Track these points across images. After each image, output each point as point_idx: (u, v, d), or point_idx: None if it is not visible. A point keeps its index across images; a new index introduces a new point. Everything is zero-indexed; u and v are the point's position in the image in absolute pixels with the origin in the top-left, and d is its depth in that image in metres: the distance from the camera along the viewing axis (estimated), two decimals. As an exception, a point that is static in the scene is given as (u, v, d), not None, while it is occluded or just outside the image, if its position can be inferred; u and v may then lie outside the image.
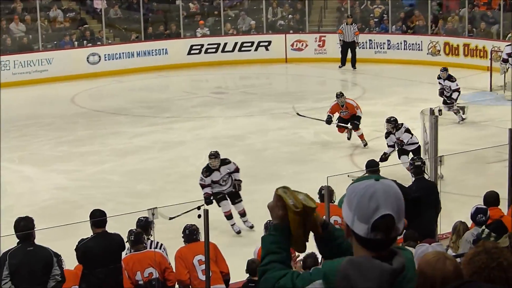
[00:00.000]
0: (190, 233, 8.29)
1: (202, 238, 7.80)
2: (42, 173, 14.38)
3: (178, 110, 19.02)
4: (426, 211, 8.86)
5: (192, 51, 25.55)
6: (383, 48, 24.98)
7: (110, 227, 7.93)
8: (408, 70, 23.05)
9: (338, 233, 2.96)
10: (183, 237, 8.58)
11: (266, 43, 25.96)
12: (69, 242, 8.54)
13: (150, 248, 8.14)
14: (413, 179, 9.38)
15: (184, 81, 24.08)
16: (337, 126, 15.41)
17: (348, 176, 8.85)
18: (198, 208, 7.46)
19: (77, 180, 13.88)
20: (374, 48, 25.09)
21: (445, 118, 14.92)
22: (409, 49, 24.54)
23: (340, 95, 15.37)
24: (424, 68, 22.75)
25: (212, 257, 7.87)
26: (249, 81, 24.32)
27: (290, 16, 26.66)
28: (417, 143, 12.88)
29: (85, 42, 24.87)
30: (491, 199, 8.47)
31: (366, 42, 25.05)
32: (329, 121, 15.27)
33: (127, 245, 7.90)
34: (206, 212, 7.21)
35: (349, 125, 15.24)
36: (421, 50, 24.19)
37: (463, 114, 16.64)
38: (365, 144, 15.23)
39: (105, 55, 24.40)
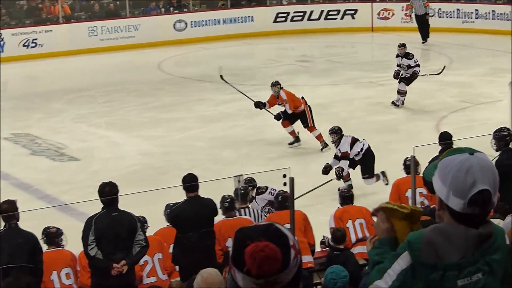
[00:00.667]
0: (282, 200, 8.25)
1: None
2: (128, 139, 14.59)
3: (263, 78, 19.01)
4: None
5: (278, 19, 25.48)
6: (471, 18, 24.42)
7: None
8: (496, 41, 22.48)
9: None
10: (274, 204, 8.58)
11: (352, 12, 25.71)
12: (154, 208, 8.65)
13: (245, 215, 8.12)
14: (499, 152, 9.06)
15: (270, 49, 24.05)
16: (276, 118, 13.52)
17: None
18: (284, 176, 7.41)
19: (163, 146, 14.04)
20: (462, 17, 24.55)
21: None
22: (498, 19, 23.92)
23: (273, 84, 13.52)
24: (513, 38, 22.16)
25: (301, 227, 7.85)
26: (335, 50, 24.13)
27: (377, -16, 26.29)
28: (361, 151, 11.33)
29: (171, 8, 25.06)
30: None
31: (453, 12, 24.54)
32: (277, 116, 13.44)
33: (219, 211, 7.88)
34: (292, 180, 7.18)
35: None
36: (510, 20, 23.54)
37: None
38: (323, 147, 13.14)
39: (191, 22, 24.54)
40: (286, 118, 13.42)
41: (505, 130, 9.26)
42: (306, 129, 13.33)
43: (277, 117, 13.45)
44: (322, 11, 25.60)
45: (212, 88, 18.24)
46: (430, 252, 2.59)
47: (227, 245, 7.67)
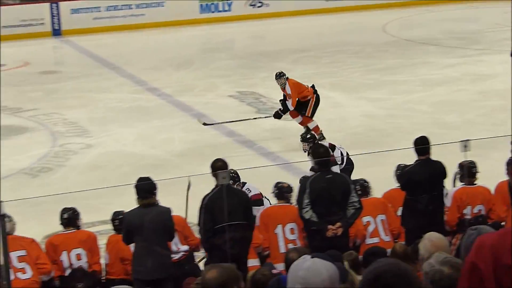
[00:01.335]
0: None
1: None
2: (351, 100, 14.68)
3: (489, 42, 18.41)
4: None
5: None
6: None
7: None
8: None
9: None
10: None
11: None
12: (376, 170, 8.68)
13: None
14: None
15: (496, 12, 23.18)
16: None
17: None
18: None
19: (386, 108, 14.00)
20: None
21: None
22: None
23: (278, 75, 12.35)
24: None
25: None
26: None
27: None
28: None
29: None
30: None
31: None
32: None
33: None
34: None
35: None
36: None
37: None
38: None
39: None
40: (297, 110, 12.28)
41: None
42: (301, 116, 12.28)
43: (277, 115, 12.39)
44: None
45: (437, 51, 17.92)
46: None
47: (464, 212, 7.52)
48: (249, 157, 11.59)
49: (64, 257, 6.74)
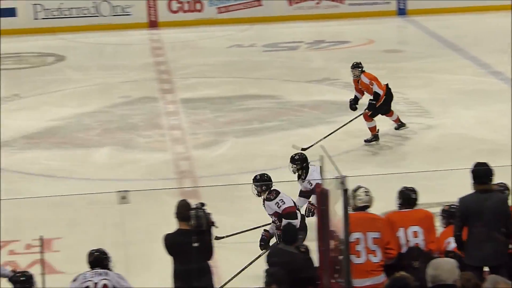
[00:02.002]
0: None
1: None
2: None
3: None
4: None
5: None
6: None
7: None
8: None
9: None
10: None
11: None
12: None
13: None
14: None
15: None
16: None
17: None
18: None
19: None
20: None
21: None
22: None
23: (353, 66, 11.99)
24: None
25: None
26: None
27: None
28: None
29: None
30: None
31: None
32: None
33: None
34: None
35: None
36: None
37: None
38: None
39: None
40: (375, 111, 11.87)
41: None
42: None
43: (352, 106, 12.08)
44: None
45: None
46: None
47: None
48: None
49: (401, 233, 6.91)
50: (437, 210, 8.45)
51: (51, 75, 16.98)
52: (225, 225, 7.83)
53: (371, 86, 11.80)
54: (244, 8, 21.67)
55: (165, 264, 6.65)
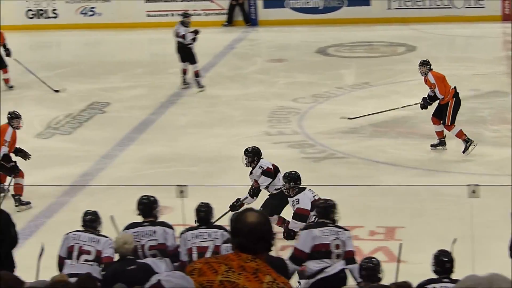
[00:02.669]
0: None
1: None
2: None
3: None
4: None
5: None
6: None
7: None
8: None
9: None
10: None
11: None
12: None
13: None
14: None
15: None
16: None
17: None
18: None
19: None
20: None
21: None
22: None
23: (421, 63, 11.78)
24: None
25: None
26: None
27: None
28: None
29: None
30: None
31: None
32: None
33: None
34: None
35: None
36: None
37: None
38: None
39: None
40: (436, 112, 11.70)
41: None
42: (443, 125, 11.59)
43: (423, 106, 11.91)
44: None
45: None
46: None
47: None
48: None
49: None
50: None
51: (401, 65, 17.10)
52: None
53: (433, 88, 11.57)
54: None
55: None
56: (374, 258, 6.60)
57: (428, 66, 11.73)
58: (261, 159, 9.15)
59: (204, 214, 7.32)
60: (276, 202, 8.90)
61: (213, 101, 14.94)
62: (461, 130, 11.58)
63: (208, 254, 7.04)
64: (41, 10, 22.54)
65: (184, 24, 15.62)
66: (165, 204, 7.70)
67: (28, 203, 10.24)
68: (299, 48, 19.33)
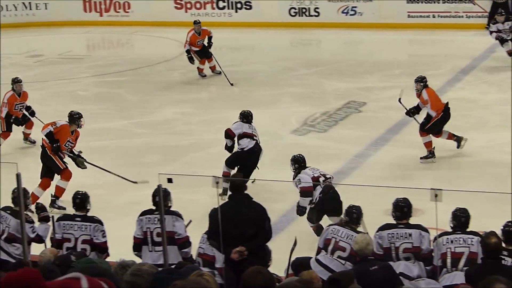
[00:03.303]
0: None
1: None
2: None
3: None
4: None
5: None
6: None
7: None
8: None
9: None
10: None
11: None
12: None
13: None
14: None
15: None
16: None
17: None
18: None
19: None
20: None
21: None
22: None
23: (417, 80, 11.94)
24: None
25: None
26: None
27: None
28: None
29: None
30: None
31: None
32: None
33: None
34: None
35: None
36: None
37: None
38: None
39: None
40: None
41: None
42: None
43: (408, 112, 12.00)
44: None
45: None
46: None
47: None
48: None
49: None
50: None
51: None
52: None
53: (425, 105, 11.68)
54: None
55: None
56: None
57: (422, 83, 11.80)
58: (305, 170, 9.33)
59: (464, 219, 7.15)
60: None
61: (470, 105, 14.46)
62: (431, 141, 11.75)
63: (463, 261, 6.84)
64: (303, 8, 23.03)
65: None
66: (416, 206, 7.57)
67: (64, 208, 10.27)
68: None
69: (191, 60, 16.97)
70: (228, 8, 23.49)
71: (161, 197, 6.87)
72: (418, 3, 21.97)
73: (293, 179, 9.34)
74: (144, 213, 7.87)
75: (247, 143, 10.73)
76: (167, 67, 18.62)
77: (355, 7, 22.53)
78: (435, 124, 11.73)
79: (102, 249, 7.71)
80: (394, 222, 7.33)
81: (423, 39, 20.72)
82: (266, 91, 16.12)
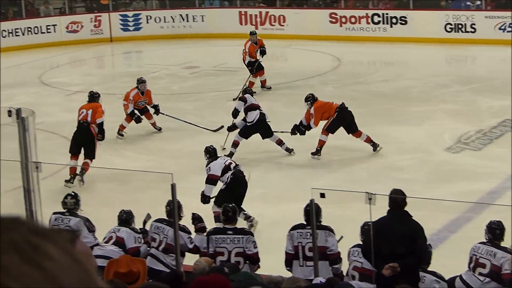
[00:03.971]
0: None
1: None
2: None
3: None
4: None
5: None
6: None
7: None
8: None
9: None
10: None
11: None
12: None
13: None
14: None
15: None
16: None
17: None
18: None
19: None
20: None
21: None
22: None
23: (306, 99, 13.03)
24: None
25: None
26: None
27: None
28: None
29: None
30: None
31: None
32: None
33: None
34: None
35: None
36: None
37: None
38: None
39: None
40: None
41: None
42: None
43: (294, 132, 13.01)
44: None
45: None
46: None
47: None
48: None
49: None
50: None
51: None
52: None
53: (311, 118, 12.64)
54: None
55: None
56: None
57: (310, 102, 12.74)
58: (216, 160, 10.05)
59: None
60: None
61: None
62: (324, 141, 12.63)
63: None
64: (459, 24, 22.65)
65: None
66: None
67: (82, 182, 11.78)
68: None
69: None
70: (383, 23, 23.41)
71: (312, 212, 6.97)
72: None
73: (206, 167, 10.19)
74: (295, 227, 7.94)
75: (254, 116, 12.47)
76: (320, 81, 18.73)
77: (512, 23, 21.98)
78: (333, 124, 12.76)
79: (254, 260, 7.85)
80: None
81: None
82: (419, 107, 15.96)
